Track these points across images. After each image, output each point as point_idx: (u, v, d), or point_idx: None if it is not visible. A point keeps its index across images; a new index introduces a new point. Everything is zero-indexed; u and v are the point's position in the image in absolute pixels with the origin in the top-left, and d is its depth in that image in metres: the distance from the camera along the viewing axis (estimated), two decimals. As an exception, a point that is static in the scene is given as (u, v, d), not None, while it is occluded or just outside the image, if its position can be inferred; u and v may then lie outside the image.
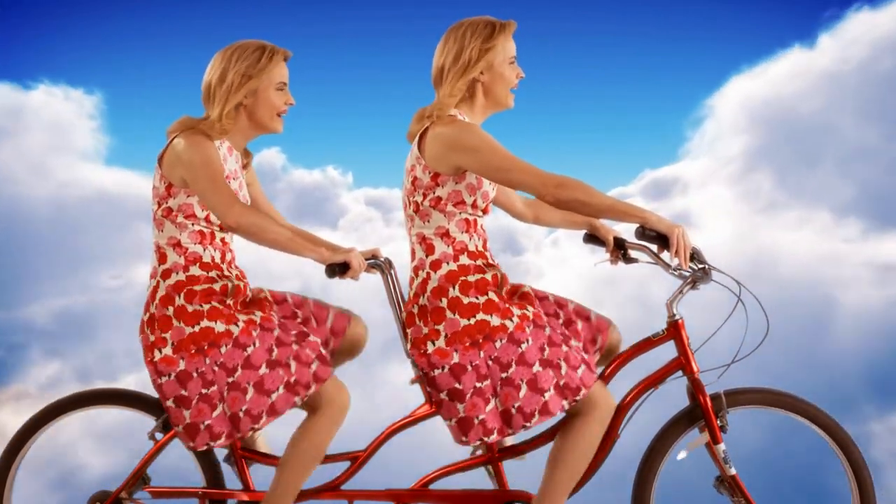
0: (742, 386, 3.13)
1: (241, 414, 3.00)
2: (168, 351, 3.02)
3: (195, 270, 3.09)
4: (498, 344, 3.04)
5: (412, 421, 3.13)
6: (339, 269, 2.98)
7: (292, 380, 3.01)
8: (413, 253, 3.19)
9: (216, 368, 3.01)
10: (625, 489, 3.15)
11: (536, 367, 3.04)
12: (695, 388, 3.09)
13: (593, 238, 3.35)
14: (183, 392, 3.02)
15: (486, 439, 3.04)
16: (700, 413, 3.08)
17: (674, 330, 3.11)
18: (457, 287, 3.09)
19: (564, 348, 3.10)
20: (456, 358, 3.03)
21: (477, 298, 3.08)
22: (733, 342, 3.08)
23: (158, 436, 3.18)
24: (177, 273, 3.08)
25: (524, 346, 3.05)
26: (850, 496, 3.12)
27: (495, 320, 3.06)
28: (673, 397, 3.17)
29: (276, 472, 3.08)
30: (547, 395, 3.03)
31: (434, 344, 3.05)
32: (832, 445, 3.11)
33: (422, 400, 3.16)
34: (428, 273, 3.11)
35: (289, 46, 3.19)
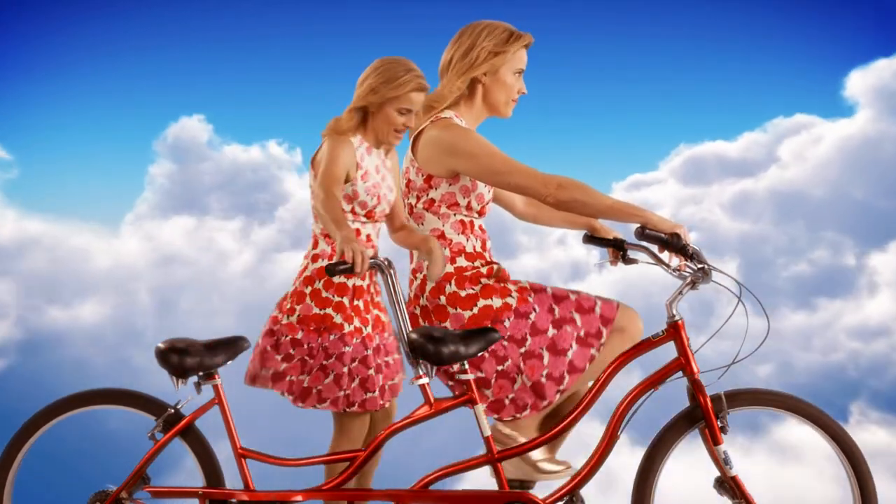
0: (743, 387, 3.13)
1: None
2: None
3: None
4: (507, 323, 3.05)
5: (412, 421, 3.12)
6: (339, 268, 2.97)
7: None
8: (412, 254, 3.20)
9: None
10: (625, 489, 3.15)
11: (551, 331, 3.06)
12: (695, 389, 3.09)
13: (593, 238, 3.35)
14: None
15: (518, 416, 3.07)
16: (700, 414, 3.08)
17: (674, 330, 3.11)
18: (453, 283, 3.11)
19: (573, 296, 3.12)
20: None
21: (473, 288, 3.10)
22: (734, 342, 3.08)
23: (158, 436, 3.18)
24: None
25: (532, 315, 3.07)
26: (850, 497, 3.12)
27: (497, 302, 3.08)
28: (673, 398, 3.17)
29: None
30: (570, 353, 3.05)
31: None
32: (833, 446, 3.11)
33: (422, 400, 3.16)
34: (425, 274, 3.12)
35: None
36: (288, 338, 3.16)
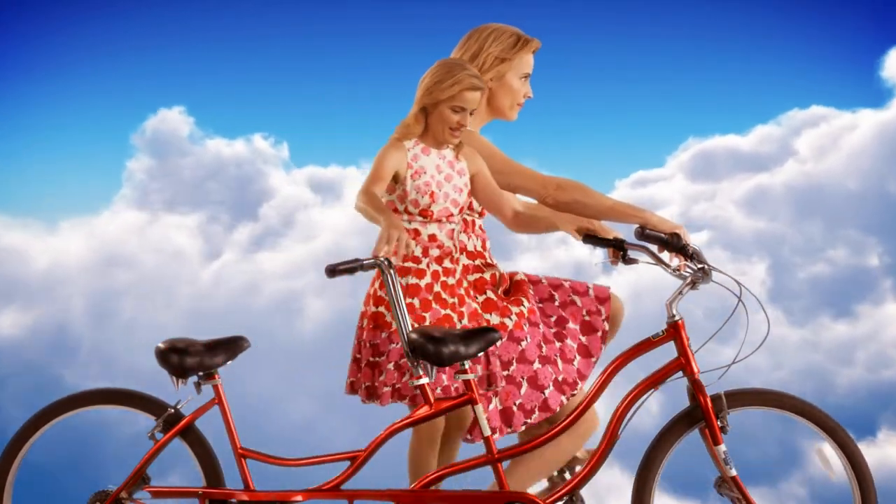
0: (743, 386, 3.13)
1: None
2: None
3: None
4: (498, 343, 3.05)
5: (412, 421, 3.13)
6: (340, 268, 2.96)
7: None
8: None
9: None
10: (625, 490, 3.15)
11: (536, 364, 3.06)
12: (695, 389, 3.09)
13: (593, 238, 3.35)
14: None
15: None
16: (700, 414, 3.08)
17: (674, 330, 3.11)
18: (456, 288, 3.11)
19: (558, 344, 3.13)
20: None
21: (476, 298, 3.10)
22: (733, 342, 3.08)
23: (158, 436, 3.19)
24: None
25: (524, 343, 3.06)
26: (850, 497, 3.12)
27: (494, 319, 3.07)
28: (673, 397, 3.17)
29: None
30: (547, 391, 3.05)
31: None
32: (834, 448, 3.11)
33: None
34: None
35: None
36: (365, 342, 3.20)
